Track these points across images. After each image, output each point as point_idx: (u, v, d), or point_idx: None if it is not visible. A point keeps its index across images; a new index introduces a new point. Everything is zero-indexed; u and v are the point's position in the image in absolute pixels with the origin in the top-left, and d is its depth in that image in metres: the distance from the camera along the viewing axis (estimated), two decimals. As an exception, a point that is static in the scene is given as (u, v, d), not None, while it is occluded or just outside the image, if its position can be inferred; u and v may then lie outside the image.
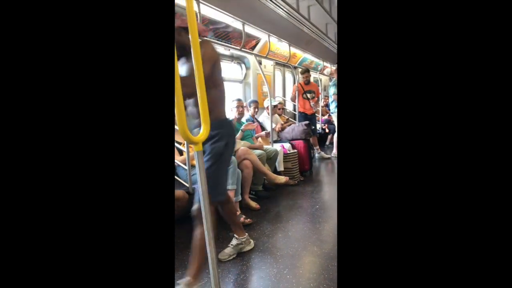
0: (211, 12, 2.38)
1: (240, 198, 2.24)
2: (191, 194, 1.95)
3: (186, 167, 1.96)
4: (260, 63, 3.53)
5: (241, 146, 2.44)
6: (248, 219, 2.10)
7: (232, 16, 2.52)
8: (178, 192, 1.89)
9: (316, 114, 4.45)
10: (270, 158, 2.82)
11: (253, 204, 2.40)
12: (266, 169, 2.55)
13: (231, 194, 2.11)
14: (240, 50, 2.98)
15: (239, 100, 2.87)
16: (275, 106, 3.65)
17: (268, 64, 4.10)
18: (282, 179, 2.47)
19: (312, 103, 4.08)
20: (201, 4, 2.09)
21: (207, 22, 2.53)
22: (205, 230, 0.99)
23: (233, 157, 2.17)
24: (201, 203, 0.98)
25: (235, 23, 2.75)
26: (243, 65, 3.77)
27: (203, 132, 1.01)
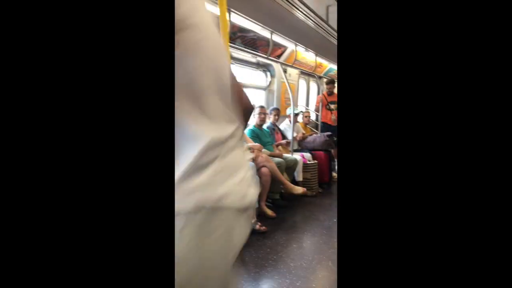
0: (240, 20, 2.44)
1: (256, 205, 2.24)
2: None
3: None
4: (285, 71, 3.55)
5: (261, 153, 2.45)
6: (263, 227, 2.09)
7: (261, 25, 2.56)
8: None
9: (338, 126, 4.37)
10: (289, 167, 2.81)
11: (269, 212, 2.39)
12: (284, 178, 2.53)
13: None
14: (266, 58, 3.02)
15: (261, 107, 2.90)
16: (297, 115, 3.64)
17: (293, 72, 4.11)
18: (299, 189, 2.45)
19: (333, 117, 3.98)
20: (231, 13, 2.15)
21: (236, 30, 2.59)
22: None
23: (252, 163, 2.19)
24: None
25: (263, 32, 2.79)
26: (268, 73, 3.81)
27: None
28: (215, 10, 2.08)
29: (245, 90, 0.73)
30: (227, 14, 2.08)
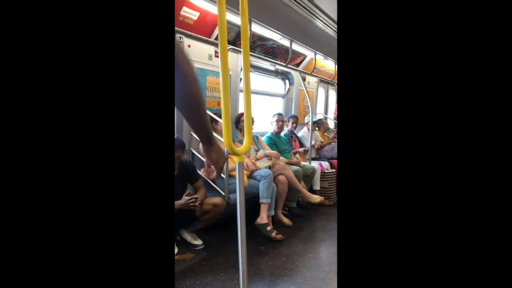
0: (260, 29, 2.48)
1: (273, 212, 2.23)
2: (228, 203, 2.00)
3: (224, 176, 2.02)
4: (304, 79, 3.55)
5: (278, 160, 2.45)
6: (279, 235, 2.07)
7: (280, 33, 2.59)
8: (218, 199, 1.95)
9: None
10: (306, 176, 2.78)
11: (286, 220, 2.37)
12: (301, 186, 2.51)
13: (264, 207, 2.12)
14: (285, 66, 3.04)
15: (279, 114, 2.91)
16: (315, 123, 3.62)
17: (312, 80, 4.10)
18: (317, 198, 2.41)
19: None
20: (252, 22, 2.20)
21: (256, 39, 2.64)
22: (239, 239, 1.01)
23: (269, 171, 2.19)
24: (238, 212, 1.01)
25: (283, 40, 2.82)
26: (286, 81, 3.82)
27: (246, 144, 1.05)
28: (237, 20, 2.14)
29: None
30: (248, 24, 2.12)
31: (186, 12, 2.03)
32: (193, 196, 1.76)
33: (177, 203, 1.74)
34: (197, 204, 1.75)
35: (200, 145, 2.19)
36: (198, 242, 1.95)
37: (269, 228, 2.08)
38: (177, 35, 2.12)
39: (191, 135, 2.28)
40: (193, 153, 2.29)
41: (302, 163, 2.88)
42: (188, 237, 1.97)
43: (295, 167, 2.61)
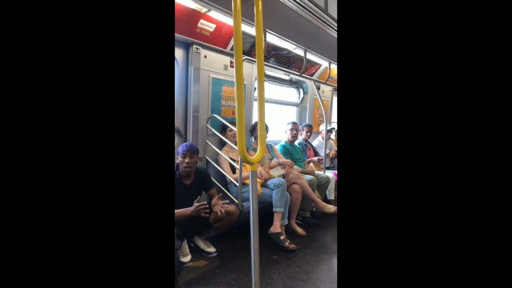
0: (274, 39, 2.52)
1: (286, 222, 2.21)
2: (241, 211, 2.00)
3: (237, 184, 2.03)
4: (318, 88, 3.55)
5: (292, 169, 2.44)
6: (293, 245, 2.05)
7: (295, 43, 2.62)
8: (231, 207, 1.96)
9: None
10: (320, 185, 2.75)
11: (299, 230, 2.35)
12: (315, 195, 2.48)
13: (278, 216, 2.10)
14: (300, 75, 3.05)
15: (294, 123, 2.91)
16: (330, 131, 3.59)
17: (326, 89, 4.09)
18: (331, 208, 2.37)
19: None
20: (267, 33, 2.24)
21: (270, 49, 2.67)
22: (252, 248, 1.01)
23: (283, 180, 2.18)
24: (251, 220, 1.01)
25: (297, 50, 2.85)
26: (301, 90, 3.83)
27: (259, 152, 1.06)
28: (252, 31, 2.18)
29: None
30: (262, 35, 2.17)
31: (203, 24, 2.10)
32: (203, 203, 1.77)
33: (189, 210, 1.76)
34: (207, 211, 1.76)
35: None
36: (211, 249, 1.96)
37: (282, 237, 2.06)
38: (194, 46, 2.18)
39: (206, 142, 2.32)
40: (207, 161, 2.32)
41: (317, 172, 2.85)
42: (201, 244, 1.98)
43: (309, 176, 2.58)
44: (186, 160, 1.83)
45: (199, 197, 1.79)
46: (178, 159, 1.87)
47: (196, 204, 1.77)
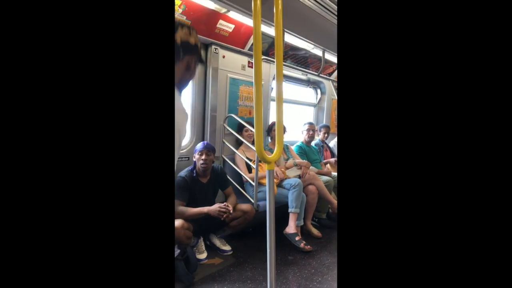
0: (292, 39, 2.51)
1: (302, 223, 2.20)
2: (257, 210, 2.01)
3: (253, 184, 2.04)
4: (336, 88, 3.50)
5: (308, 170, 2.42)
6: (308, 246, 2.03)
7: (313, 43, 2.60)
8: (247, 206, 1.98)
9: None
10: (337, 187, 2.71)
11: (315, 231, 2.32)
12: (332, 197, 2.45)
13: (293, 217, 2.09)
14: (317, 75, 3.02)
15: (310, 123, 2.88)
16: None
17: (344, 90, 4.03)
18: (348, 210, 2.33)
19: None
20: (285, 33, 2.23)
21: (288, 49, 2.67)
22: (268, 247, 1.01)
23: (299, 180, 2.17)
24: (267, 220, 1.01)
25: (315, 50, 2.82)
26: (318, 90, 3.79)
27: (276, 152, 1.06)
28: (272, 31, 2.18)
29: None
30: (282, 35, 2.17)
31: (222, 25, 2.12)
32: (225, 204, 1.80)
33: (206, 208, 1.79)
34: (227, 215, 1.79)
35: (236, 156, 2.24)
36: (227, 247, 1.98)
37: (297, 238, 2.05)
38: (213, 47, 2.21)
39: (223, 142, 2.34)
40: (224, 160, 2.35)
41: (333, 173, 2.81)
42: (217, 242, 2.01)
43: (325, 178, 2.55)
44: (203, 157, 1.87)
45: (223, 202, 1.82)
46: (195, 157, 1.91)
47: (218, 204, 1.79)
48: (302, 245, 2.02)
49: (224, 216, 1.78)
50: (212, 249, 1.98)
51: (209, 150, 1.91)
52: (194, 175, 1.91)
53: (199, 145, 1.94)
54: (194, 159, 1.93)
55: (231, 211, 1.80)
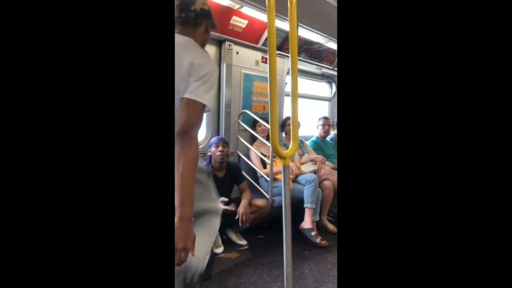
0: (306, 33, 2.48)
1: (318, 218, 2.19)
2: (272, 205, 2.02)
3: (268, 179, 2.05)
4: (351, 82, 3.43)
5: (324, 165, 2.40)
6: (324, 241, 2.03)
7: (327, 36, 2.56)
8: (262, 201, 1.99)
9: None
10: (353, 181, 2.67)
11: (331, 226, 2.31)
12: (348, 192, 2.42)
13: (309, 212, 2.09)
14: (332, 69, 2.97)
15: (325, 118, 2.84)
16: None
17: (360, 83, 3.95)
18: (365, 205, 2.30)
19: None
20: (299, 27, 2.21)
21: (302, 43, 2.64)
22: (284, 242, 1.02)
23: (314, 175, 2.16)
24: (283, 215, 1.02)
25: (329, 43, 2.77)
26: (333, 84, 3.73)
27: (292, 147, 1.06)
28: (285, 26, 2.16)
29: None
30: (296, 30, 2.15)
31: (235, 21, 2.12)
32: (231, 208, 1.89)
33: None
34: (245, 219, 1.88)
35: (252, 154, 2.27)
36: (243, 242, 2.01)
37: (313, 233, 2.05)
38: (226, 43, 2.22)
39: (238, 138, 2.36)
40: (239, 156, 2.37)
41: (349, 168, 2.77)
42: (233, 236, 2.04)
43: (341, 173, 2.52)
44: (219, 149, 1.91)
45: (232, 204, 1.87)
46: (211, 150, 1.94)
47: (223, 206, 1.83)
48: (318, 240, 2.02)
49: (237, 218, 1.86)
50: (228, 244, 2.01)
51: (224, 142, 1.96)
52: (210, 169, 1.94)
53: (214, 139, 1.99)
54: (209, 153, 1.97)
55: (234, 210, 1.88)
